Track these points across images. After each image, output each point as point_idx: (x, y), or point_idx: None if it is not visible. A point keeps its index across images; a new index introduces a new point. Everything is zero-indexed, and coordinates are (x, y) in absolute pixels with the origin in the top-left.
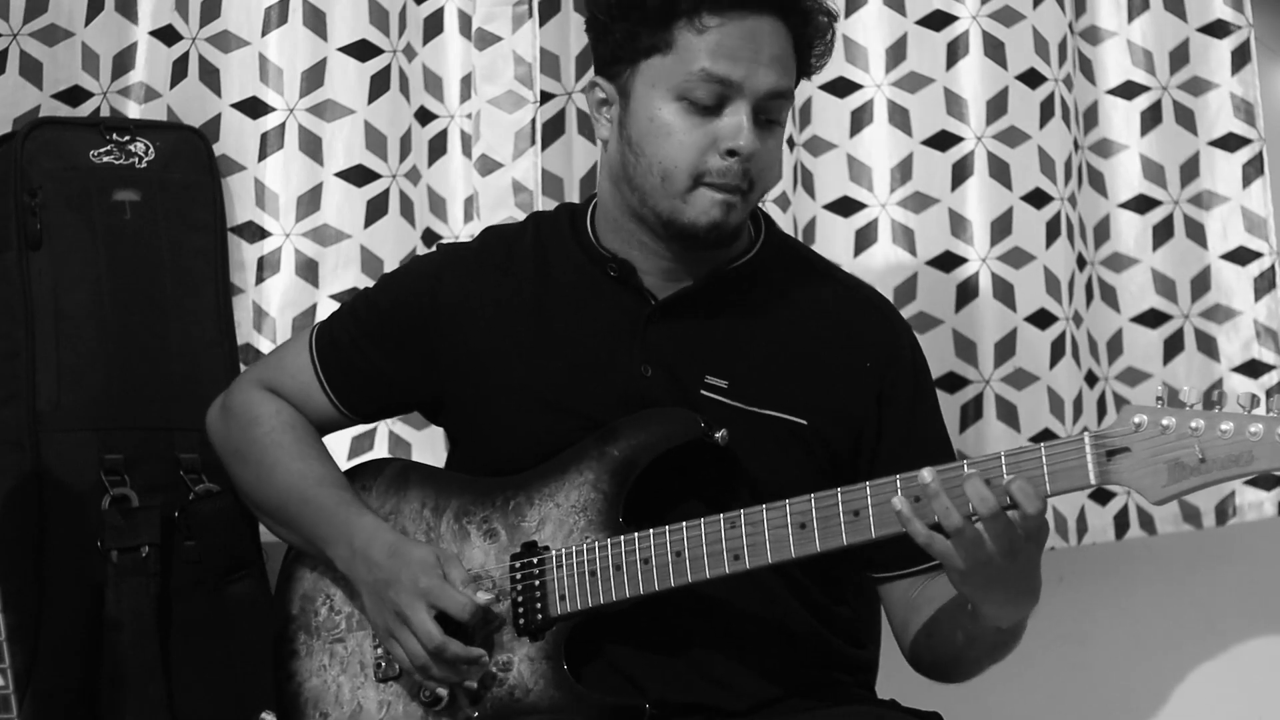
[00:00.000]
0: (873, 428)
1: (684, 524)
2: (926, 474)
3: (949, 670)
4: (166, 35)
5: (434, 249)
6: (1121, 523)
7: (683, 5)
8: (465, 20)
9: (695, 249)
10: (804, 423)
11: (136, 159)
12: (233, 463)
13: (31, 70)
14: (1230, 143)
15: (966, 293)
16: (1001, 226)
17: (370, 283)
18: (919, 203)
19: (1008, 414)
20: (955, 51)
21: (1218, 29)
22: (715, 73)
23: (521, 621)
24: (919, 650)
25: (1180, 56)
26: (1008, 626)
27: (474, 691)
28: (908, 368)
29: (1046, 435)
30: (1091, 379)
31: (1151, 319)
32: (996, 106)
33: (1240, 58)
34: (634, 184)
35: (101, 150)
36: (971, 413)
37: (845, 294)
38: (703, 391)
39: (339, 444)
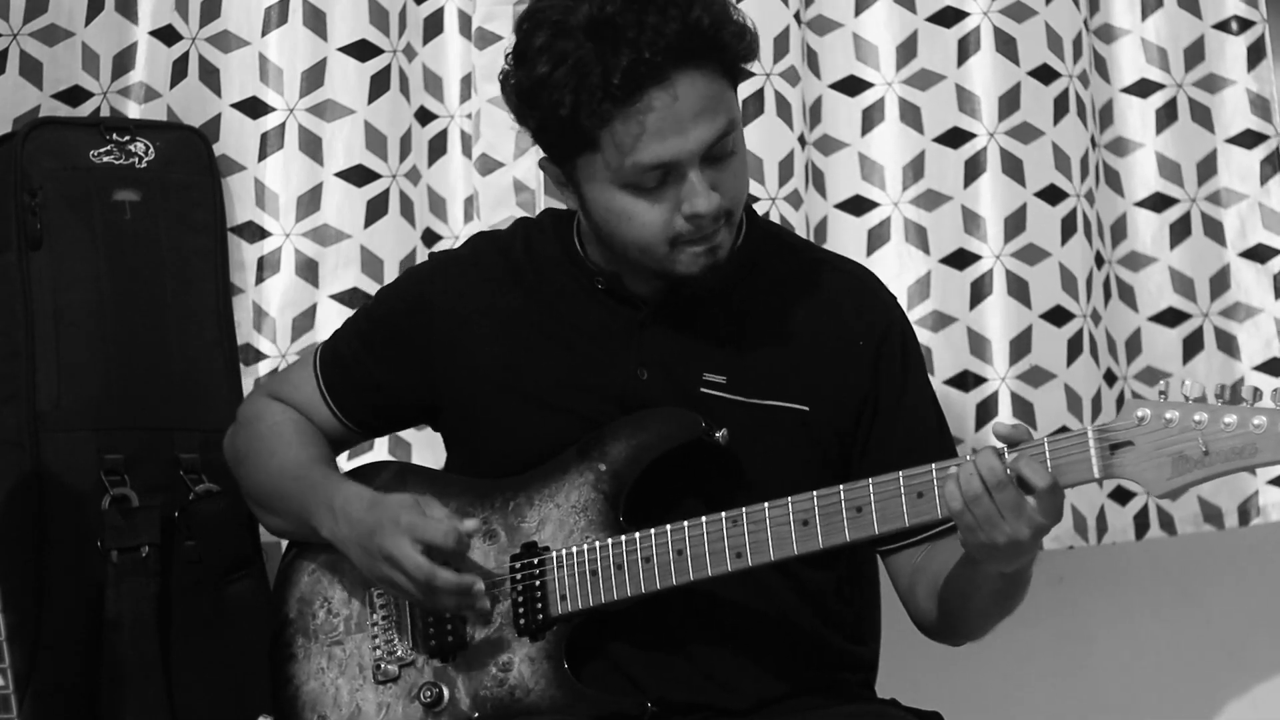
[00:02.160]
0: (870, 405)
1: (685, 522)
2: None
3: (957, 625)
4: (166, 35)
5: (427, 258)
6: (1142, 523)
7: (590, 111)
8: (465, 20)
9: (698, 287)
10: (806, 409)
11: (136, 159)
12: (239, 466)
13: (31, 70)
14: (1247, 139)
15: (980, 290)
16: (1015, 223)
17: (370, 283)
18: (931, 200)
19: (1024, 412)
20: (966, 48)
21: (1232, 25)
22: (648, 163)
23: (522, 622)
24: (928, 610)
25: (1195, 53)
26: (1010, 572)
27: (474, 692)
28: (897, 344)
29: (1062, 433)
30: (1110, 378)
31: (1170, 318)
32: (1009, 103)
33: (1256, 54)
34: (616, 252)
35: (101, 150)
36: (986, 410)
37: (832, 275)
38: (702, 389)
39: None
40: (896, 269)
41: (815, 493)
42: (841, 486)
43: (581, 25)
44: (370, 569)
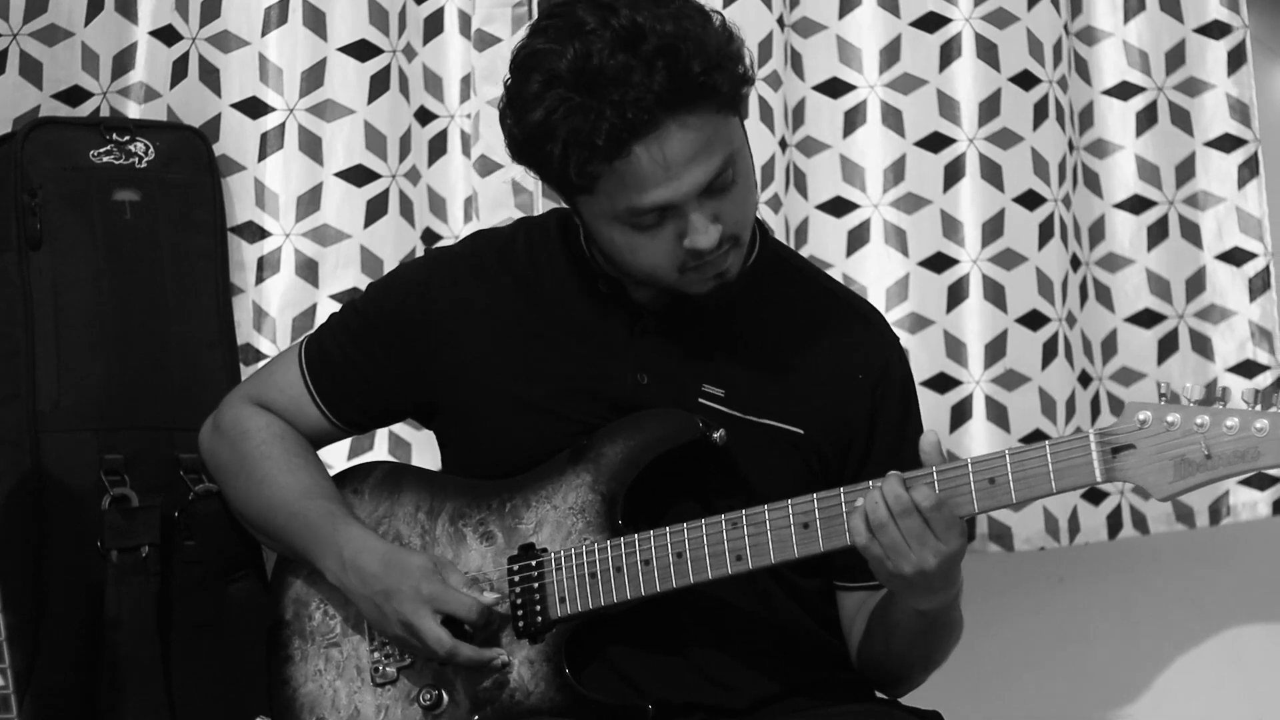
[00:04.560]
0: (861, 442)
1: (684, 525)
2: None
3: (881, 661)
4: (166, 35)
5: (422, 255)
6: (1115, 523)
7: (582, 164)
8: (465, 20)
9: (706, 303)
10: (800, 432)
11: (136, 159)
12: (224, 479)
13: (31, 70)
14: (1226, 143)
15: (958, 294)
16: (993, 228)
17: (370, 283)
18: (911, 204)
19: (998, 415)
20: (948, 53)
21: (1214, 30)
22: (644, 207)
23: (521, 624)
24: (861, 653)
25: (1176, 57)
26: (927, 610)
27: (474, 695)
28: (896, 384)
29: (1037, 436)
30: (1085, 379)
31: (1146, 319)
32: (989, 108)
33: (1236, 58)
34: (624, 273)
35: (101, 150)
36: (961, 413)
37: (838, 306)
38: (700, 400)
39: (339, 444)
40: (875, 271)
41: (815, 495)
42: (842, 489)
43: (569, 74)
44: (383, 628)
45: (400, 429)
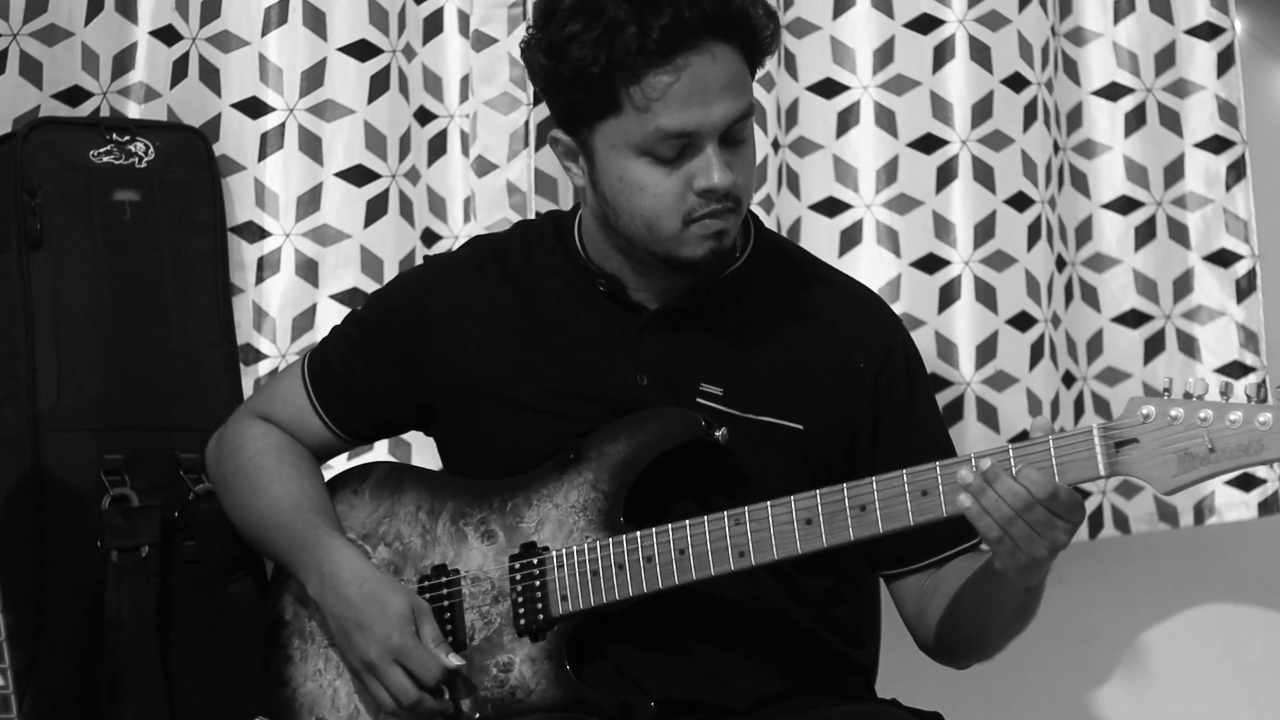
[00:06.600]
0: (868, 430)
1: (687, 521)
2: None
3: (974, 646)
4: (166, 35)
5: (420, 262)
6: (1095, 522)
7: (623, 66)
8: (465, 20)
9: (698, 276)
10: (799, 427)
11: (136, 159)
12: (221, 492)
13: (31, 70)
14: (1214, 145)
15: (949, 295)
16: (984, 230)
17: (370, 283)
18: (903, 205)
19: (987, 415)
20: (942, 55)
21: (1204, 31)
22: (672, 129)
23: (522, 622)
24: (942, 633)
25: (1165, 59)
26: (1034, 584)
27: (475, 693)
28: (900, 366)
29: (1024, 437)
30: (1069, 379)
31: (1132, 319)
32: (981, 110)
33: (1225, 60)
34: (621, 232)
35: (101, 150)
36: (952, 414)
37: (836, 294)
38: (698, 399)
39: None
40: (867, 271)
41: (819, 491)
42: (845, 485)
43: None
44: (348, 654)
45: None
